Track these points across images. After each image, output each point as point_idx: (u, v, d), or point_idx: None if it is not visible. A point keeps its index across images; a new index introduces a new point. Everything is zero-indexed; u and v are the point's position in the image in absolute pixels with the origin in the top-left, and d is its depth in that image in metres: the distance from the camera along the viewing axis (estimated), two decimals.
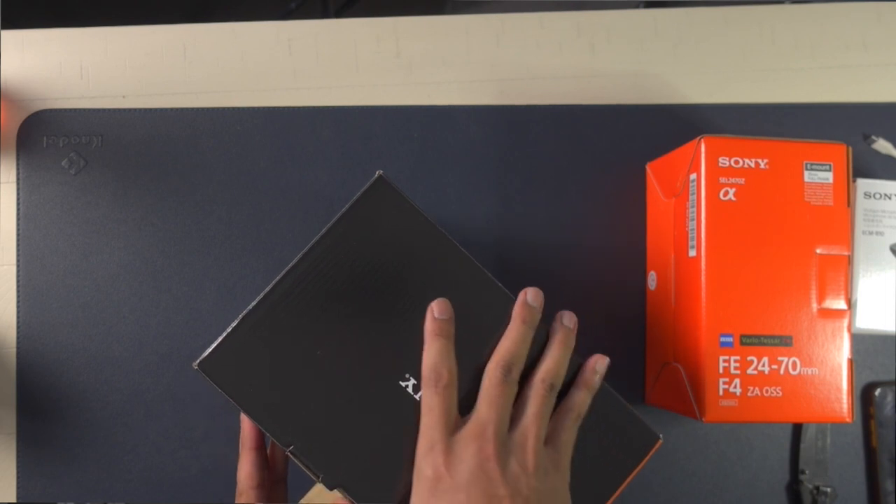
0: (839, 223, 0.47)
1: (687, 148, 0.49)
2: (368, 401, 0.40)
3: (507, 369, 0.40)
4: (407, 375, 0.40)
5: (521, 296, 0.42)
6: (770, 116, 0.56)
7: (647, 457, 0.43)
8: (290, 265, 0.40)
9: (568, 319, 0.43)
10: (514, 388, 0.40)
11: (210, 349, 0.39)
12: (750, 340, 0.46)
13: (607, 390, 0.43)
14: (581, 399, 0.41)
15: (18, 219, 0.53)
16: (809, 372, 0.46)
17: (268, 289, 0.40)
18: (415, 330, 0.40)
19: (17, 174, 0.54)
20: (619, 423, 0.42)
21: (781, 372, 0.46)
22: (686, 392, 0.47)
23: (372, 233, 0.41)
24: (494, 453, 0.37)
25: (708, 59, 0.57)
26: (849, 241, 0.47)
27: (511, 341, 0.41)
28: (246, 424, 0.43)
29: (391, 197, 0.41)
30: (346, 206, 0.41)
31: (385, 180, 0.41)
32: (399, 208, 0.41)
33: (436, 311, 0.40)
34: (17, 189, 0.54)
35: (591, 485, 0.41)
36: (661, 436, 0.43)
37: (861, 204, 0.52)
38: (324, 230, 0.40)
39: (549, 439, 0.40)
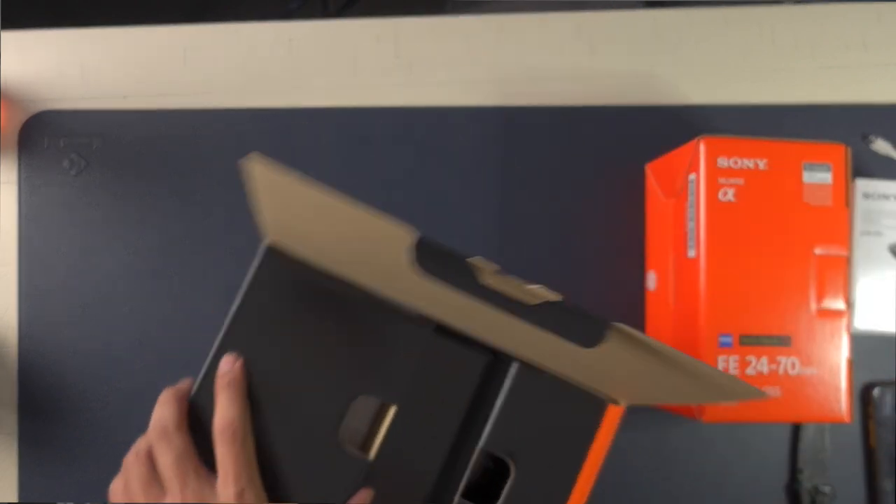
0: (838, 223, 0.47)
1: (686, 148, 0.49)
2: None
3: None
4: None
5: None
6: (769, 116, 0.56)
7: (607, 426, 0.40)
8: (208, 360, 0.39)
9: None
10: None
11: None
12: (749, 340, 0.46)
13: (534, 370, 0.40)
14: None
15: (19, 219, 0.53)
16: (808, 372, 0.46)
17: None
18: (347, 392, 0.39)
19: (18, 175, 0.54)
20: (558, 398, 0.40)
21: (780, 372, 0.46)
22: None
23: (275, 316, 0.39)
24: None
25: (708, 59, 0.57)
26: (848, 241, 0.47)
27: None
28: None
29: (287, 266, 0.39)
30: (241, 291, 0.39)
31: (275, 251, 0.40)
32: (301, 274, 0.39)
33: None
34: (18, 190, 0.54)
35: (550, 469, 0.40)
36: (618, 401, 0.40)
37: (860, 204, 0.52)
38: (224, 327, 0.39)
39: None
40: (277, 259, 0.39)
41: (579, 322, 0.34)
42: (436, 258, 0.33)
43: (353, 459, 0.39)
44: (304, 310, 0.39)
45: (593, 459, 0.40)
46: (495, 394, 0.40)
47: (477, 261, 0.33)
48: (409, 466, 0.40)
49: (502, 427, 0.40)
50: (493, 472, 0.41)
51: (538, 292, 0.32)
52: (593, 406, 0.40)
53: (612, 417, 0.40)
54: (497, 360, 0.40)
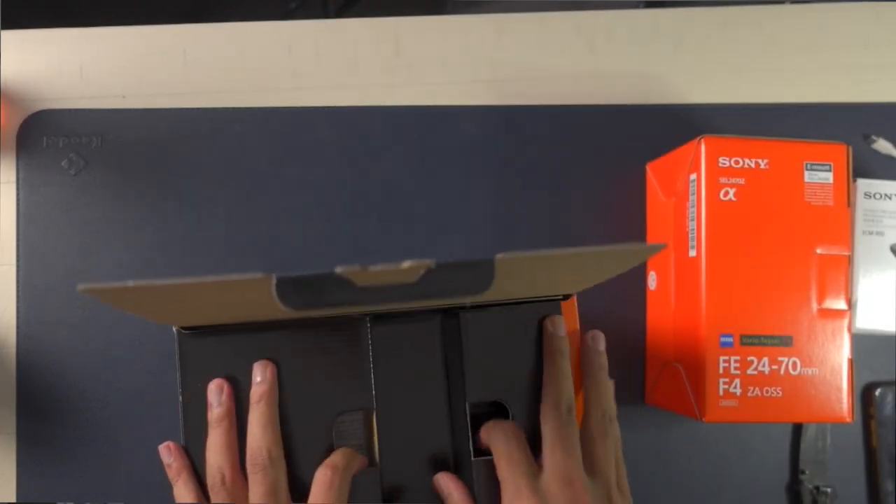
0: (839, 223, 0.47)
1: (687, 148, 0.49)
2: None
3: (568, 409, 0.38)
4: None
5: (547, 327, 0.40)
6: (770, 116, 0.56)
7: (570, 321, 0.40)
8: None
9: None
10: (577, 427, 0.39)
11: None
12: (750, 340, 0.46)
13: (479, 310, 0.40)
14: (599, 396, 0.40)
15: (18, 219, 0.53)
16: (809, 372, 0.46)
17: None
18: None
19: (17, 174, 0.54)
20: (514, 323, 0.40)
21: (781, 372, 0.46)
22: (686, 392, 0.47)
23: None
24: (588, 500, 0.37)
25: (708, 59, 0.57)
26: (849, 241, 0.47)
27: (558, 380, 0.39)
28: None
29: (204, 339, 0.40)
30: (178, 378, 0.40)
31: (186, 330, 0.40)
32: (220, 339, 0.40)
33: None
34: (17, 189, 0.54)
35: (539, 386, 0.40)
36: (567, 295, 0.40)
37: (861, 204, 0.52)
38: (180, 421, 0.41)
39: (597, 471, 0.39)
40: (193, 338, 0.40)
41: (464, 274, 0.33)
42: (300, 289, 0.31)
43: (360, 475, 0.39)
44: (241, 368, 0.39)
45: (573, 354, 0.41)
46: (458, 348, 0.40)
47: (342, 270, 0.31)
48: (417, 455, 0.40)
49: (478, 374, 0.40)
50: (496, 412, 0.41)
51: (414, 266, 0.31)
52: (549, 310, 0.41)
53: (571, 310, 0.41)
54: (446, 316, 0.40)
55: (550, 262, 0.33)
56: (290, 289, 0.30)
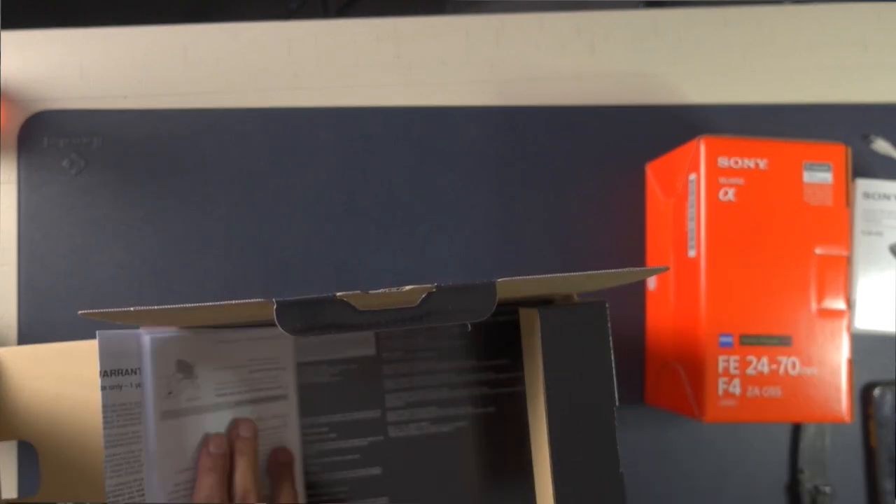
0: (838, 223, 0.47)
1: (686, 148, 0.49)
2: None
3: None
4: None
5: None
6: (770, 116, 0.56)
7: None
8: None
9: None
10: None
11: None
12: (749, 340, 0.46)
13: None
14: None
15: (19, 219, 0.53)
16: (809, 372, 0.46)
17: None
18: None
19: (18, 174, 0.54)
20: None
21: (781, 372, 0.46)
22: (686, 392, 0.47)
23: None
24: None
25: (708, 59, 0.57)
26: (848, 241, 0.47)
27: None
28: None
29: None
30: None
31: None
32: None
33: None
34: (18, 189, 0.54)
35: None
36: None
37: (860, 204, 0.52)
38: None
39: None
40: None
41: (465, 297, 0.32)
42: (300, 313, 0.31)
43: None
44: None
45: None
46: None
47: (343, 294, 0.31)
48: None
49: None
50: None
51: (415, 290, 0.31)
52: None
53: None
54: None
55: (550, 284, 0.33)
56: (290, 313, 0.30)
